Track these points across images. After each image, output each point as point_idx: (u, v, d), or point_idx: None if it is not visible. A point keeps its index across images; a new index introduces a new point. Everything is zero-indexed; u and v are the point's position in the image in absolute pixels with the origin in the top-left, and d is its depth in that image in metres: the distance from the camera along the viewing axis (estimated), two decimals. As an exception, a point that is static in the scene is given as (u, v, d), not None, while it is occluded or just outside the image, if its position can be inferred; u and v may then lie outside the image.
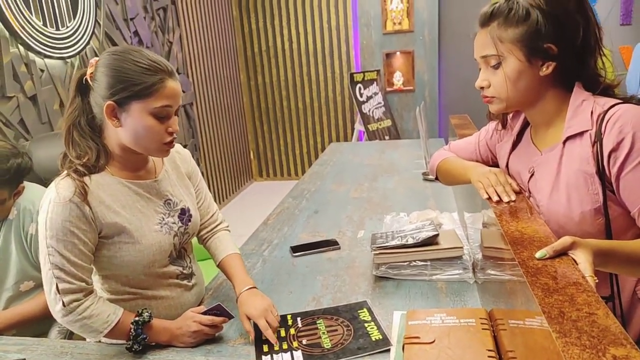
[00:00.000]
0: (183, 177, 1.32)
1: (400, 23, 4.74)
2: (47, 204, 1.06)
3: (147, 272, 1.19)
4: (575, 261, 0.78)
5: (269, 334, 1.12)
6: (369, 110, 4.66)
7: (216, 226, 1.42)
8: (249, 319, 1.15)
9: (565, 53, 0.99)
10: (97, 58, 1.11)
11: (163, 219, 1.20)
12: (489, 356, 0.92)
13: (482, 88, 1.09)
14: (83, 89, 1.12)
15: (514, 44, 1.00)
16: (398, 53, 4.83)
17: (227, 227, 1.45)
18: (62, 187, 1.06)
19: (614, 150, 0.93)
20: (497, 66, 1.04)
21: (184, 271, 1.27)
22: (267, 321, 1.13)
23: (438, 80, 4.83)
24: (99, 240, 1.12)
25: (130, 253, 1.14)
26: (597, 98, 1.00)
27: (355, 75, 4.61)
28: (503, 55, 1.02)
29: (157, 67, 1.07)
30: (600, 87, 1.02)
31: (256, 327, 1.16)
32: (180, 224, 1.24)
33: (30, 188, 1.52)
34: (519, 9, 0.99)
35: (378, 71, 4.83)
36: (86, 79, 1.10)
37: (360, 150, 3.31)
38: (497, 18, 1.01)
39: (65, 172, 1.09)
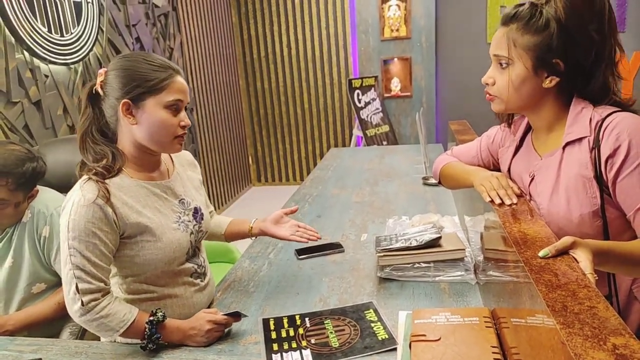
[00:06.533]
0: (193, 180, 1.39)
1: (397, 30, 4.80)
2: (70, 206, 1.09)
3: (167, 269, 1.23)
4: (576, 259, 0.82)
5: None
6: (367, 116, 4.71)
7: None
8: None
9: (571, 70, 1.02)
10: (105, 68, 1.19)
11: (179, 217, 1.26)
12: (493, 352, 0.96)
13: (487, 84, 1.12)
14: (93, 99, 1.19)
15: (525, 51, 1.02)
16: (396, 59, 4.89)
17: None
18: (86, 189, 1.10)
19: (610, 156, 0.97)
20: (505, 67, 1.07)
21: (198, 270, 1.32)
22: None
23: (435, 86, 4.89)
24: (121, 241, 1.16)
25: (151, 251, 1.18)
26: (596, 106, 1.04)
27: (353, 81, 4.66)
28: (512, 59, 1.04)
29: (166, 65, 1.17)
30: (607, 103, 1.03)
31: (265, 328, 1.20)
32: (194, 222, 1.30)
33: (44, 192, 1.56)
34: (540, 18, 1.00)
35: (376, 77, 4.88)
36: (96, 89, 1.18)
37: (360, 155, 3.35)
38: (518, 21, 1.03)
39: (86, 176, 1.13)
